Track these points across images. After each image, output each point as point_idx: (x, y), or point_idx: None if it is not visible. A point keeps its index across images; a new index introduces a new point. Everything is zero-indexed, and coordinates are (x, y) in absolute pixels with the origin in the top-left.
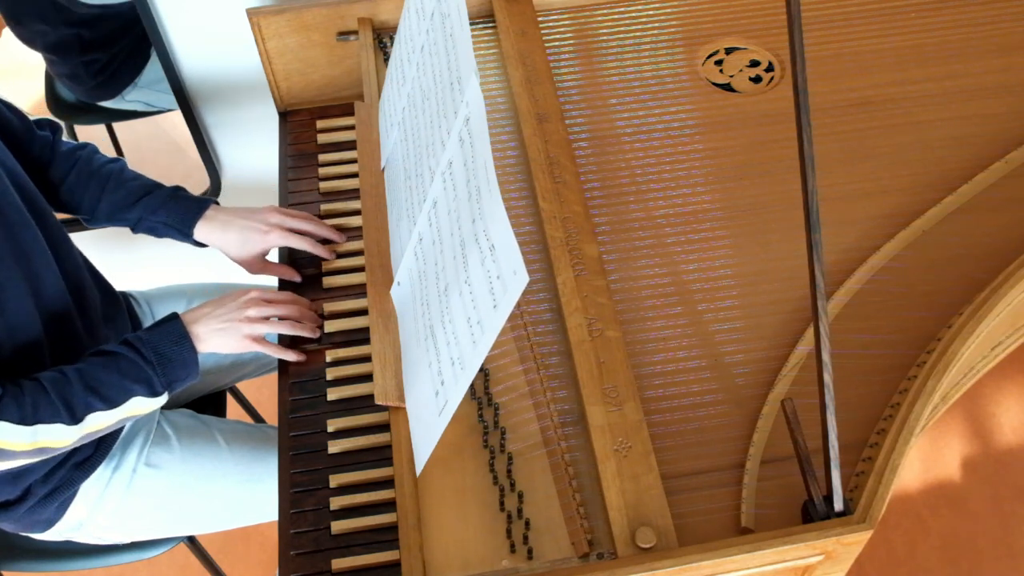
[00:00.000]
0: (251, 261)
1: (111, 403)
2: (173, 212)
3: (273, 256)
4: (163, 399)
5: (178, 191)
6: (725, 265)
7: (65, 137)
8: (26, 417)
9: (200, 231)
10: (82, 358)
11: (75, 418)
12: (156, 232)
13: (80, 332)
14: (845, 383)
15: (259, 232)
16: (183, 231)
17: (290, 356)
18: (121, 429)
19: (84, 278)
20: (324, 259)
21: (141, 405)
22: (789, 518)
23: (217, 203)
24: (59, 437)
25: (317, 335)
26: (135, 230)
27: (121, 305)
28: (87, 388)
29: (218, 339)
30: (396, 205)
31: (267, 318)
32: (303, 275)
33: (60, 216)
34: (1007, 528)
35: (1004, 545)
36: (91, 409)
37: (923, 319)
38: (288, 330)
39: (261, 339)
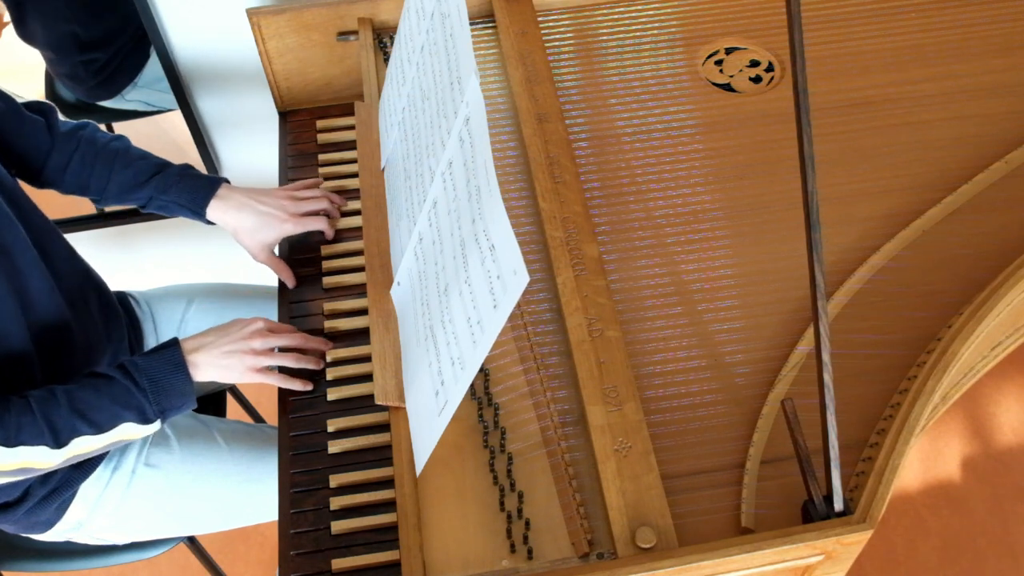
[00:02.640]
0: (260, 247)
1: (99, 428)
2: (185, 192)
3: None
4: (156, 426)
5: (188, 169)
6: (725, 265)
7: (62, 118)
8: (9, 438)
9: (213, 211)
10: (76, 379)
11: (59, 441)
12: (168, 211)
13: (75, 336)
14: (845, 383)
15: (277, 219)
16: (195, 211)
17: (296, 386)
18: None
19: (77, 279)
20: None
21: (132, 431)
22: (789, 518)
23: (227, 181)
24: (41, 459)
25: (320, 366)
26: (145, 208)
27: (116, 306)
28: (74, 411)
29: (219, 370)
30: (396, 205)
31: (272, 350)
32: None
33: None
34: (1007, 528)
35: (1004, 545)
36: (77, 433)
37: (923, 319)
38: (292, 363)
39: (265, 370)
